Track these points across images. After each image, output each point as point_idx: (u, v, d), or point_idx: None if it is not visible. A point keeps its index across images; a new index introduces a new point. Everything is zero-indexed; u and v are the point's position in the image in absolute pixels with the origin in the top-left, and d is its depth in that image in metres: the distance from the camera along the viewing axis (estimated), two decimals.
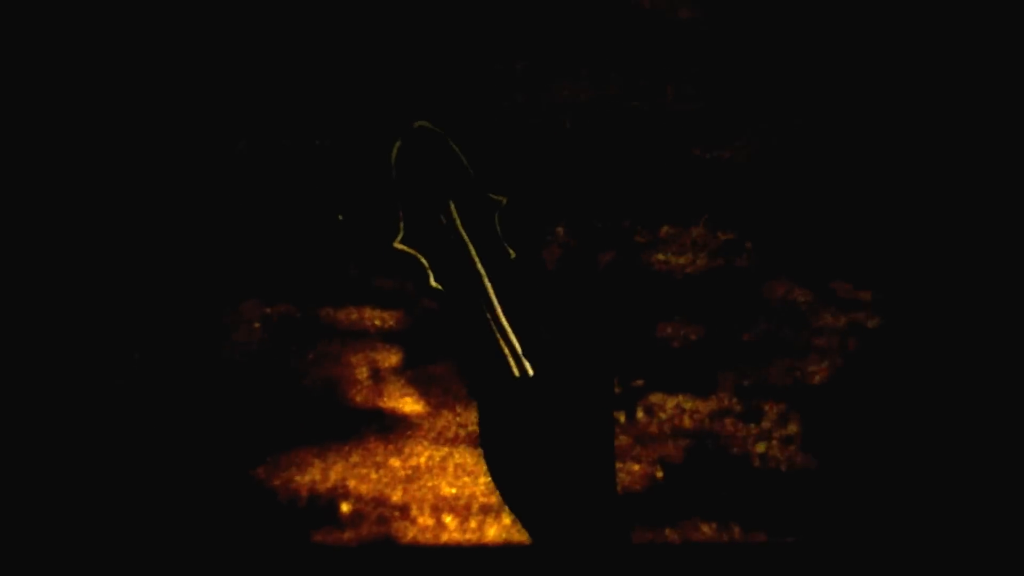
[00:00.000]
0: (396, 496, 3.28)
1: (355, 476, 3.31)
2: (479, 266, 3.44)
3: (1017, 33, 3.85)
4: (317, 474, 3.30)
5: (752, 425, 3.40)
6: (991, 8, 3.85)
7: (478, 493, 3.29)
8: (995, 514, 3.32)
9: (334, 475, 3.31)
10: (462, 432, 3.37)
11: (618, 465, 3.34)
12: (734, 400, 3.43)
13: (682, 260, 3.62)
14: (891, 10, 3.89)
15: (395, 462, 3.33)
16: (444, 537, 3.25)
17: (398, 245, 3.53)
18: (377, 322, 3.52)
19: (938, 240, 3.64)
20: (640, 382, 3.45)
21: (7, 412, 3.35)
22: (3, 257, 3.53)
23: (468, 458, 3.34)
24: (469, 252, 3.45)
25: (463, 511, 3.28)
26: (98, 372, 3.41)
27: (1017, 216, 3.64)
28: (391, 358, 3.47)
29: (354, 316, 3.53)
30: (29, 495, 3.27)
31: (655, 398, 3.42)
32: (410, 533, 3.24)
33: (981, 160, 3.72)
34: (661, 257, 3.62)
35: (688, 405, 3.42)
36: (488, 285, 3.41)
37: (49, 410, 3.36)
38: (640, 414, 3.40)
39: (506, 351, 3.37)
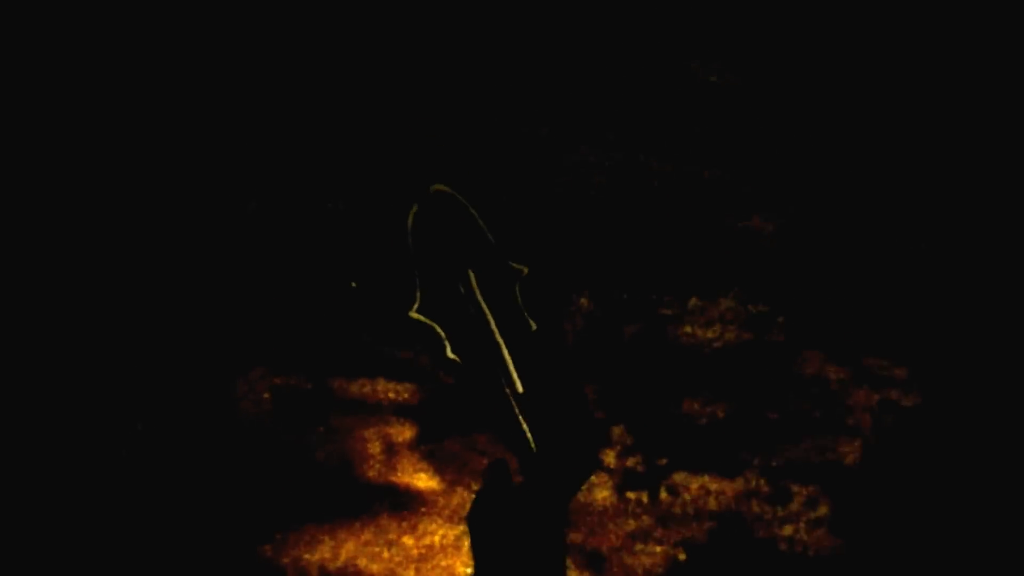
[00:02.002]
0: None
1: (366, 554, 3.24)
2: (498, 337, 3.37)
3: None
4: (327, 552, 3.24)
5: (779, 507, 3.30)
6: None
7: None
8: None
9: (345, 553, 3.24)
10: None
11: (639, 546, 3.25)
12: (762, 481, 3.34)
13: (710, 334, 3.55)
14: (921, 69, 3.83)
15: (408, 540, 3.26)
16: None
17: (414, 315, 3.48)
18: (391, 395, 3.46)
19: (979, 315, 3.56)
20: (663, 460, 3.36)
21: (13, 487, 3.31)
22: (11, 329, 3.51)
23: None
24: (488, 323, 3.39)
25: None
26: (102, 443, 3.36)
27: None
28: (405, 432, 3.41)
29: (367, 388, 3.47)
30: (37, 569, 3.23)
31: (679, 477, 3.34)
32: None
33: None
34: (688, 330, 3.55)
35: (713, 486, 3.33)
36: (507, 357, 3.35)
37: (53, 483, 3.31)
38: (663, 494, 3.32)
39: (524, 426, 3.29)
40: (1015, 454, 3.37)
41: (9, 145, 3.76)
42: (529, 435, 3.28)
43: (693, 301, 3.59)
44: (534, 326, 3.44)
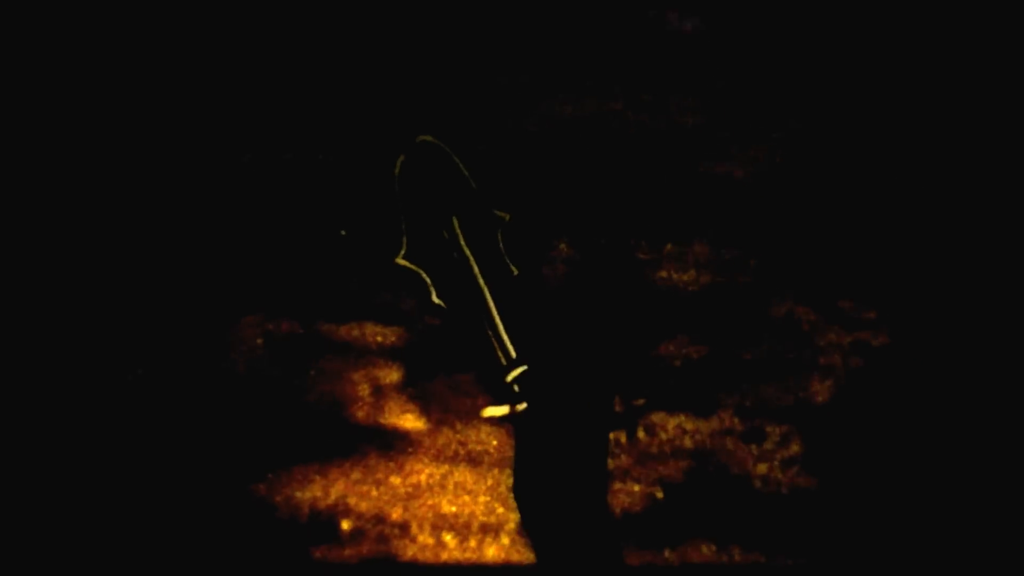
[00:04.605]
0: (396, 514, 3.27)
1: (356, 493, 3.30)
2: (481, 283, 3.42)
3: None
4: (318, 491, 3.30)
5: (753, 446, 3.38)
6: (988, 18, 3.81)
7: (478, 512, 3.28)
8: (1003, 541, 3.29)
9: (335, 492, 3.30)
10: (462, 450, 3.37)
11: (618, 485, 3.32)
12: (736, 420, 3.41)
13: (685, 277, 3.61)
14: (896, 23, 3.85)
15: (395, 479, 3.32)
16: (444, 556, 3.23)
17: (400, 261, 3.52)
18: (379, 338, 3.52)
19: (946, 256, 3.61)
20: (641, 401, 3.43)
21: (13, 428, 3.36)
22: (9, 274, 3.55)
23: (468, 476, 3.33)
24: (471, 268, 3.43)
25: (463, 530, 3.26)
26: (101, 387, 3.42)
27: None
28: (392, 375, 3.47)
29: (355, 332, 3.53)
30: (33, 511, 3.27)
31: (656, 417, 3.41)
32: (410, 551, 3.23)
33: (991, 176, 3.69)
34: (664, 274, 3.61)
35: (689, 425, 3.40)
36: (490, 302, 3.39)
37: (52, 425, 3.37)
38: (641, 433, 3.38)
39: (504, 362, 3.34)
40: (983, 392, 3.44)
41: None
42: (511, 376, 3.33)
43: (669, 246, 3.64)
44: (516, 271, 3.49)
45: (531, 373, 3.31)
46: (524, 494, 3.25)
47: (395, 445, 3.37)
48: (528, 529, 3.23)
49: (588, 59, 3.87)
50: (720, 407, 3.43)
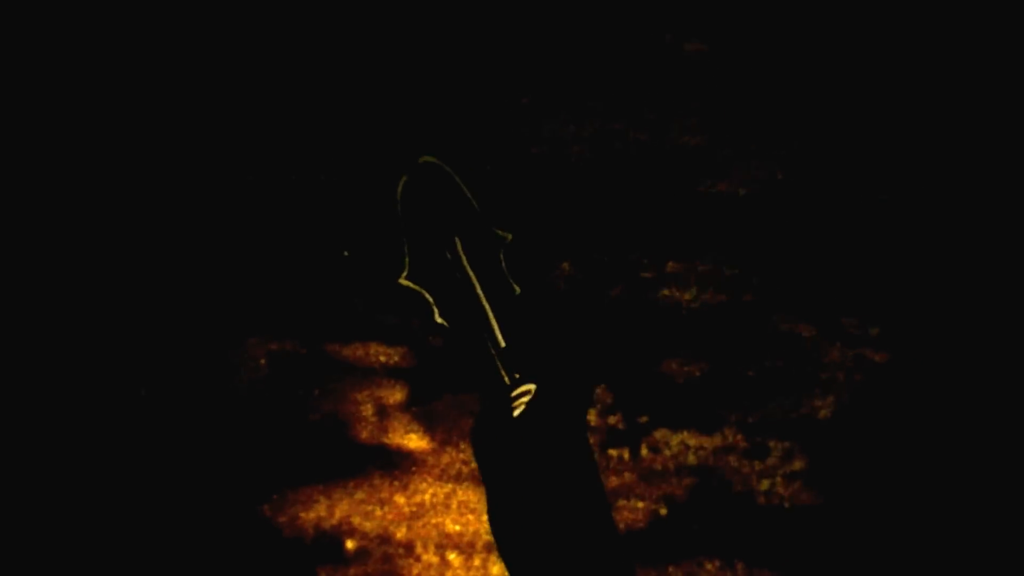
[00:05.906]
0: (401, 533, 3.29)
1: (360, 513, 3.31)
2: (484, 302, 3.43)
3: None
4: (322, 511, 3.31)
5: (757, 462, 3.38)
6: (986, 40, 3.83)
7: (482, 531, 3.29)
8: (1005, 556, 3.29)
9: (339, 512, 3.31)
10: (466, 469, 3.38)
11: (622, 502, 3.33)
12: (739, 436, 3.41)
13: (687, 295, 3.61)
14: (892, 41, 3.87)
15: (400, 499, 3.33)
16: (448, 575, 3.25)
17: (403, 281, 3.53)
18: (382, 358, 3.53)
19: (949, 273, 3.61)
20: (645, 418, 3.43)
21: (16, 449, 3.37)
22: (12, 293, 3.56)
23: (472, 495, 3.34)
24: (474, 288, 3.45)
25: (467, 549, 3.28)
26: (105, 408, 3.43)
27: None
28: (396, 394, 3.48)
29: (359, 352, 3.54)
30: (36, 532, 3.28)
31: (659, 434, 3.41)
32: (414, 571, 3.24)
33: (995, 193, 3.70)
34: (667, 292, 3.62)
35: (692, 442, 3.40)
36: (493, 321, 3.41)
37: (54, 445, 3.38)
38: (644, 451, 3.39)
39: (507, 382, 3.36)
40: (987, 407, 3.44)
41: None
42: (514, 395, 3.35)
43: (671, 264, 3.64)
44: (518, 290, 3.50)
45: (533, 390, 3.33)
46: (524, 513, 3.26)
47: (399, 464, 3.38)
48: (529, 550, 3.23)
49: (590, 79, 3.89)
50: (723, 424, 3.44)
